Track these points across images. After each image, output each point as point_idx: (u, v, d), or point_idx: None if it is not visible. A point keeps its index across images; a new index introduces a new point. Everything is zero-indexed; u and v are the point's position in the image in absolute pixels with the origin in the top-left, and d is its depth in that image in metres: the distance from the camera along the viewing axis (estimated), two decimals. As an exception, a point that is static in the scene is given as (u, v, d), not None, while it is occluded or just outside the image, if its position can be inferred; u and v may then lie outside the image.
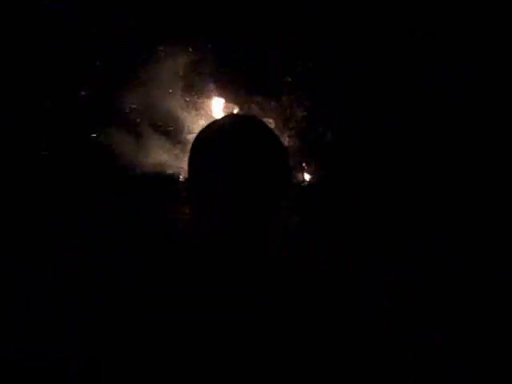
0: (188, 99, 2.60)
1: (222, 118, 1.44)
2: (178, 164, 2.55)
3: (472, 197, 2.49)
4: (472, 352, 2.27)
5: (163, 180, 2.54)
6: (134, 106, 2.56)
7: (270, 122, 2.50)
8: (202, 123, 2.53)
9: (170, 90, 2.58)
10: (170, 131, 2.57)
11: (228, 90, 2.62)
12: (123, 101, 2.54)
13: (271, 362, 1.26)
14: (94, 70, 2.53)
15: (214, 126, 1.38)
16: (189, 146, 1.40)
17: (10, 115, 2.48)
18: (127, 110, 2.56)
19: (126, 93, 2.53)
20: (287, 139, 2.62)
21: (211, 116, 2.59)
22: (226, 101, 2.62)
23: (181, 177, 2.54)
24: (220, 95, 2.63)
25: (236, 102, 2.60)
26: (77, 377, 1.34)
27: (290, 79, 2.61)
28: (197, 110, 2.60)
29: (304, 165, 2.67)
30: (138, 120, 2.57)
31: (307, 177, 2.67)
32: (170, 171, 2.54)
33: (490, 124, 2.52)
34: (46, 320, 2.15)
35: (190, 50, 2.58)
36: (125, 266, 1.39)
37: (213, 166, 1.30)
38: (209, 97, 2.62)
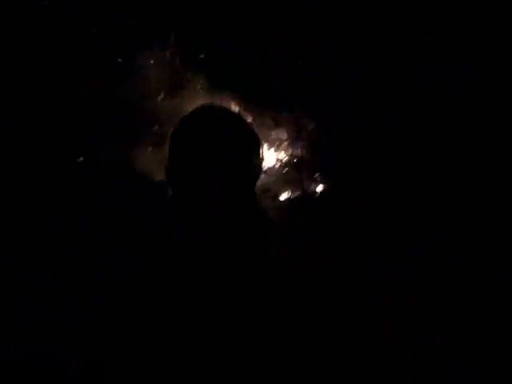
0: (188, 98, 2.60)
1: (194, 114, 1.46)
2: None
3: (472, 197, 2.49)
4: (472, 352, 2.27)
5: (163, 179, 2.53)
6: (133, 105, 2.56)
7: (270, 119, 2.51)
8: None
9: (170, 89, 2.58)
10: (169, 130, 2.57)
11: (228, 89, 2.62)
12: (123, 100, 2.54)
13: (271, 361, 1.26)
14: (94, 69, 2.53)
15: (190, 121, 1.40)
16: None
17: (9, 115, 2.48)
18: (127, 109, 2.56)
19: (126, 92, 2.53)
20: (286, 137, 2.62)
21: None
22: (226, 99, 2.62)
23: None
24: (220, 94, 2.63)
25: (236, 101, 2.60)
26: (77, 377, 1.34)
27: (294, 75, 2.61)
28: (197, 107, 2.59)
29: (305, 163, 2.67)
30: (138, 119, 2.57)
31: (307, 176, 2.67)
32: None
33: (490, 124, 2.52)
34: (46, 320, 2.15)
35: (190, 49, 2.58)
36: (125, 266, 1.39)
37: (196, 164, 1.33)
38: (209, 95, 2.62)
